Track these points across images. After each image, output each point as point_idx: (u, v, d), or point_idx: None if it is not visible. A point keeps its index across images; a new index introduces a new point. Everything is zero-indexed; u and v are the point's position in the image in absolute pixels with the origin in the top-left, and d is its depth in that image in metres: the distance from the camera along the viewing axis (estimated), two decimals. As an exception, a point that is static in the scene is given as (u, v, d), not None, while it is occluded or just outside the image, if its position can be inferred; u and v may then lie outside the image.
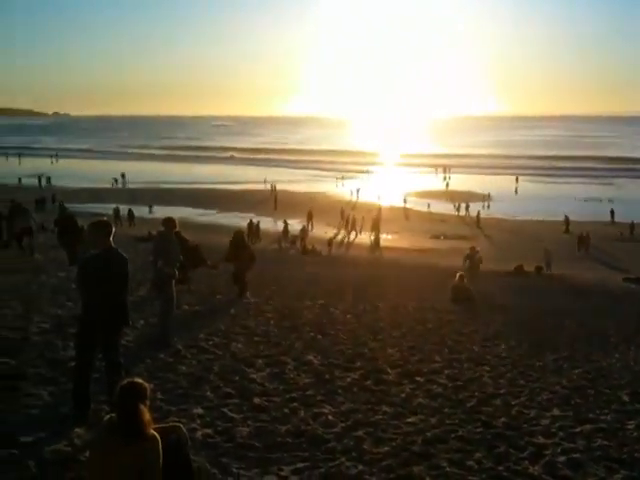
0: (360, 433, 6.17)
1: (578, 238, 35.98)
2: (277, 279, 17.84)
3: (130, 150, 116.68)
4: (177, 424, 4.38)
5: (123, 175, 66.43)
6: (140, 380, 3.88)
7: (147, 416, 3.70)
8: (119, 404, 3.70)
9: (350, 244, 38.07)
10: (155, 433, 3.75)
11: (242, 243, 13.56)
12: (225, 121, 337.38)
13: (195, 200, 51.33)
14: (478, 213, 45.89)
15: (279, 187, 59.83)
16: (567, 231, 41.20)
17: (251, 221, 37.41)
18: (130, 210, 41.62)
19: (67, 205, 44.40)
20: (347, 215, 41.99)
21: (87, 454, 4.47)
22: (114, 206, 42.60)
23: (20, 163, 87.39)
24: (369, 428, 6.33)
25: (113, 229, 5.73)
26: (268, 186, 61.08)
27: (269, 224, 40.14)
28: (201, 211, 46.72)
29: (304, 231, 35.62)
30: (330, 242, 35.10)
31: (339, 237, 39.78)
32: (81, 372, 5.72)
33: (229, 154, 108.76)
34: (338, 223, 42.30)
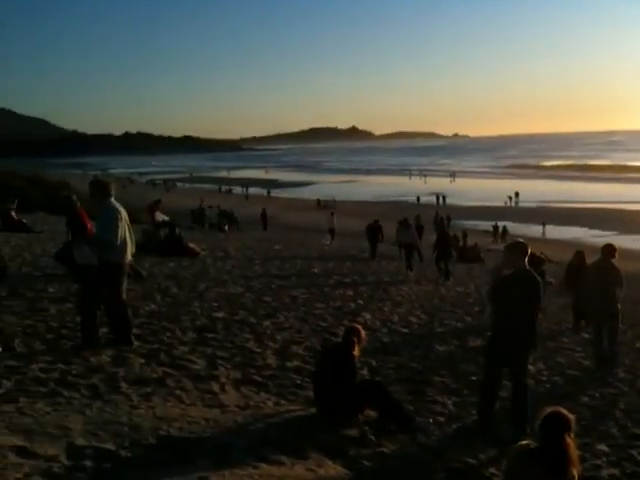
0: None
1: None
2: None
3: (522, 170, 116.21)
4: None
5: (517, 194, 66.60)
6: (564, 410, 3.64)
7: (574, 452, 3.48)
8: (543, 434, 3.52)
9: None
10: (575, 472, 3.50)
11: (583, 266, 11.83)
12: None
13: (591, 220, 48.39)
14: None
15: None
16: None
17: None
18: (504, 227, 41.83)
19: (461, 222, 46.68)
20: None
21: (500, 473, 4.55)
22: (493, 223, 43.35)
23: (426, 182, 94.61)
24: None
25: (528, 250, 5.77)
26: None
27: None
28: (597, 232, 43.83)
29: None
30: None
31: None
32: (487, 389, 5.88)
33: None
34: None
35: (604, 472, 5.38)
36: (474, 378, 7.43)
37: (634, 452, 5.92)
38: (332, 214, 33.52)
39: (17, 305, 8.65)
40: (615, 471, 5.45)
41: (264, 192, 79.68)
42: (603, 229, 44.98)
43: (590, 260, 10.93)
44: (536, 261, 12.60)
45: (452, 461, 5.18)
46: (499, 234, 41.77)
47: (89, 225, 9.72)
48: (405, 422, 5.60)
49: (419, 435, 5.56)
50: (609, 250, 9.09)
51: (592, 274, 9.19)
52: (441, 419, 6.13)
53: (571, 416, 3.61)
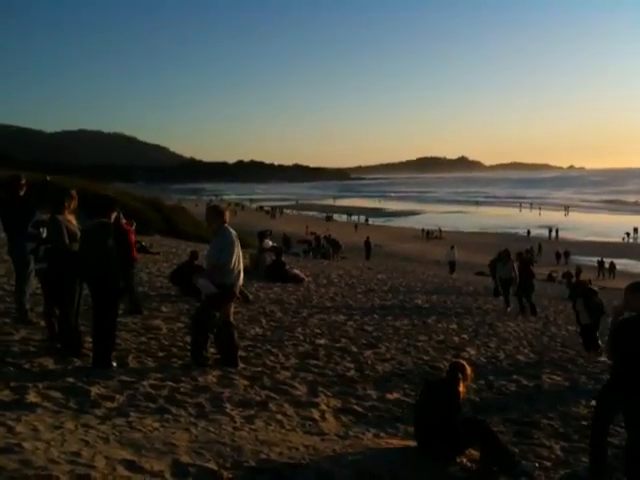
0: None
1: None
2: None
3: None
4: None
5: (635, 230, 63.18)
6: None
7: None
8: None
9: None
10: None
11: None
12: None
13: None
14: None
15: None
16: None
17: None
18: (612, 263, 39.51)
19: (575, 257, 44.62)
20: None
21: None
22: (598, 259, 41.28)
23: (540, 214, 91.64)
24: None
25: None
26: None
27: None
28: None
29: None
30: None
31: None
32: (597, 434, 5.53)
33: None
34: None
35: None
36: (585, 423, 7.02)
37: None
38: (452, 247, 33.85)
39: (132, 323, 9.12)
40: None
41: (369, 220, 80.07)
42: None
43: None
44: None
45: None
46: (605, 270, 39.70)
47: (134, 242, 10.36)
48: (509, 465, 5.36)
49: (524, 479, 5.31)
50: None
51: None
52: (548, 464, 5.81)
53: None
